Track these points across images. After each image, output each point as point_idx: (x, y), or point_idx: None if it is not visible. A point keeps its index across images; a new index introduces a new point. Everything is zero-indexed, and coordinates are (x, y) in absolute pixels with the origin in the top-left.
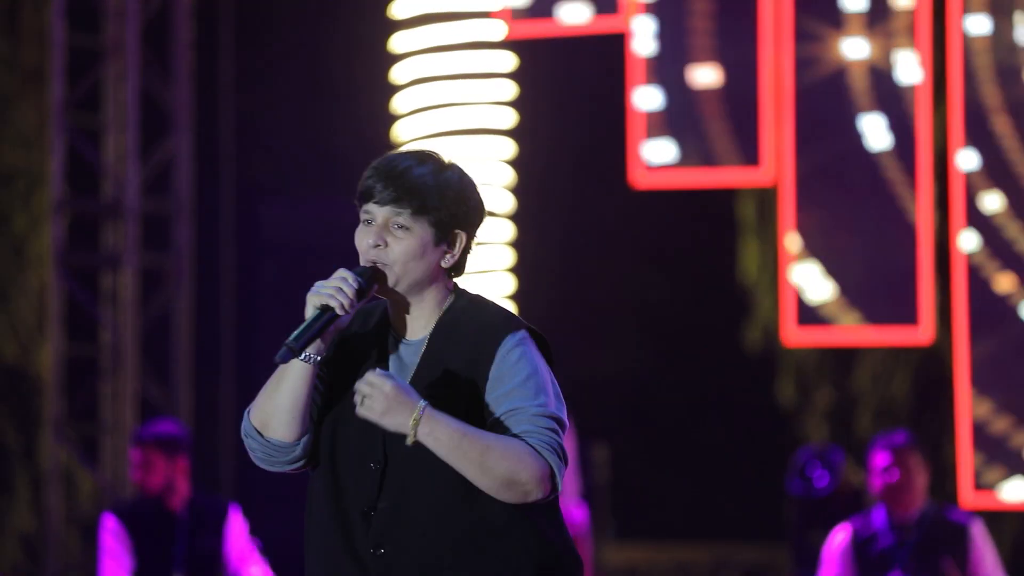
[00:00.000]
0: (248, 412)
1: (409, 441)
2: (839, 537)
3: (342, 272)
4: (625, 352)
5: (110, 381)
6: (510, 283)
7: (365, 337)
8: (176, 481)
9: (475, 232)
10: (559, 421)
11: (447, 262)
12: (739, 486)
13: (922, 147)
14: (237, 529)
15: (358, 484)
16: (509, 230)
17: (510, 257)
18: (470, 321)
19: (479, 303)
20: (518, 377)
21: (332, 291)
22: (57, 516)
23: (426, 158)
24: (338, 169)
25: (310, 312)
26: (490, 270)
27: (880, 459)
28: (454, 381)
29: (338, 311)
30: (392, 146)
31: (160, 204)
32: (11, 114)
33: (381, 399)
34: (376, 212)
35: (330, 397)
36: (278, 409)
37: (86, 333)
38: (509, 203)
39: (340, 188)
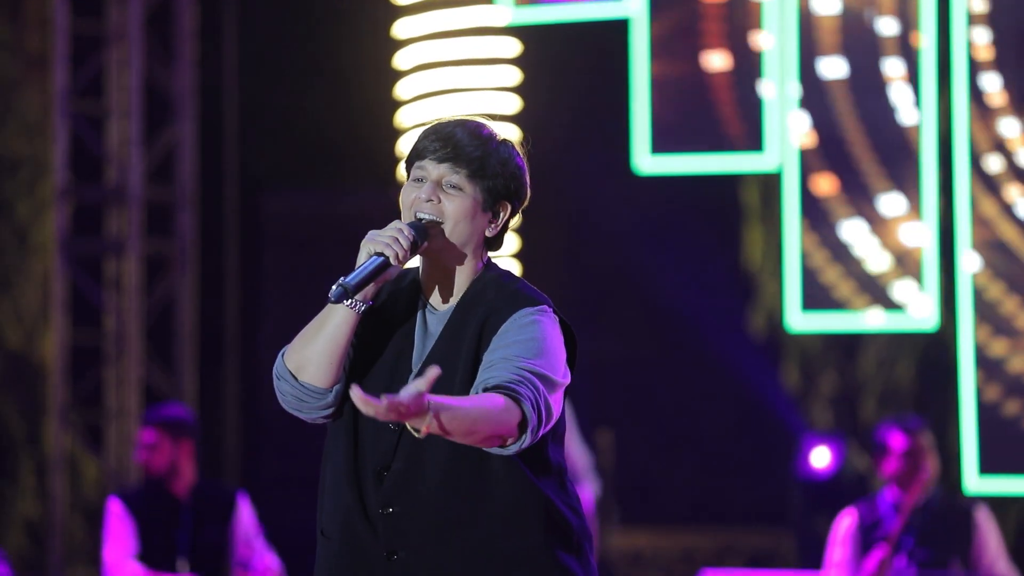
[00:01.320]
0: (283, 353)
1: (420, 421)
2: (845, 522)
3: (397, 223)
4: (629, 337)
5: (114, 367)
6: (515, 268)
7: (397, 302)
8: (180, 465)
9: (519, 209)
10: (548, 381)
11: (491, 231)
12: (744, 472)
13: (926, 129)
14: (244, 517)
15: (376, 444)
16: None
17: (515, 242)
18: (495, 293)
19: (505, 279)
20: (523, 335)
21: (388, 240)
22: (61, 502)
23: (485, 127)
24: (341, 155)
25: (363, 259)
26: (495, 256)
27: (896, 442)
28: (467, 352)
29: (392, 261)
30: (396, 132)
31: (163, 191)
32: (15, 101)
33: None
34: (431, 169)
35: (360, 354)
36: (316, 353)
37: (90, 320)
38: None
39: (343, 174)
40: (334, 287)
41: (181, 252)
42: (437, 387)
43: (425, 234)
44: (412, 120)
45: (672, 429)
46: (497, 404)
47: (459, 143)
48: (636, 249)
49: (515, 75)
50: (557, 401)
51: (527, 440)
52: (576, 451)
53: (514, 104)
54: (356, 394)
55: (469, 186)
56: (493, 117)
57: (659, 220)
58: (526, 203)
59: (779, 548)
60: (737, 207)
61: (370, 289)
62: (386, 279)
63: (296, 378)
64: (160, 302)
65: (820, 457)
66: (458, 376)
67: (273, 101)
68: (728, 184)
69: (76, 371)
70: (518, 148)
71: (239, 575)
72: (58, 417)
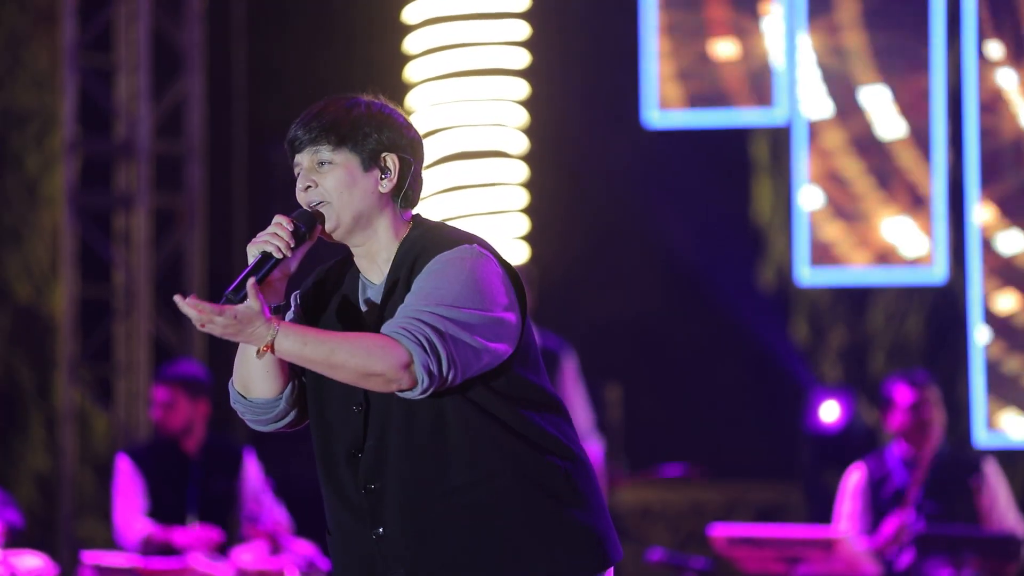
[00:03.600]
0: (231, 382)
1: (257, 355)
2: (854, 476)
3: (278, 217)
4: (638, 292)
5: (123, 322)
6: (524, 224)
7: (339, 289)
8: (195, 423)
9: (413, 156)
10: (453, 320)
11: (385, 187)
12: (753, 426)
13: (935, 84)
14: (252, 472)
15: (344, 427)
16: (523, 171)
17: (524, 197)
18: (420, 249)
19: (435, 229)
20: (429, 282)
21: (268, 236)
22: (71, 456)
23: (336, 98)
24: None
25: (251, 262)
26: (504, 211)
27: (904, 396)
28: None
29: (275, 254)
30: (405, 87)
31: (172, 145)
32: (23, 55)
33: (221, 325)
34: (301, 159)
35: None
36: (253, 368)
37: (99, 274)
38: (523, 144)
39: None
40: (222, 301)
41: (190, 206)
42: None
43: (311, 219)
44: (421, 74)
45: (681, 384)
46: (370, 341)
47: (312, 123)
48: (645, 204)
49: (524, 29)
50: (485, 336)
51: (428, 381)
52: (580, 408)
53: (523, 59)
54: (178, 299)
55: (338, 155)
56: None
57: (668, 175)
58: (420, 147)
59: (788, 502)
60: (746, 162)
61: (271, 290)
62: (286, 273)
63: (245, 397)
64: (169, 256)
65: (829, 411)
66: None
67: (281, 54)
68: (737, 139)
69: (85, 325)
70: (386, 102)
71: (248, 529)
72: (67, 371)
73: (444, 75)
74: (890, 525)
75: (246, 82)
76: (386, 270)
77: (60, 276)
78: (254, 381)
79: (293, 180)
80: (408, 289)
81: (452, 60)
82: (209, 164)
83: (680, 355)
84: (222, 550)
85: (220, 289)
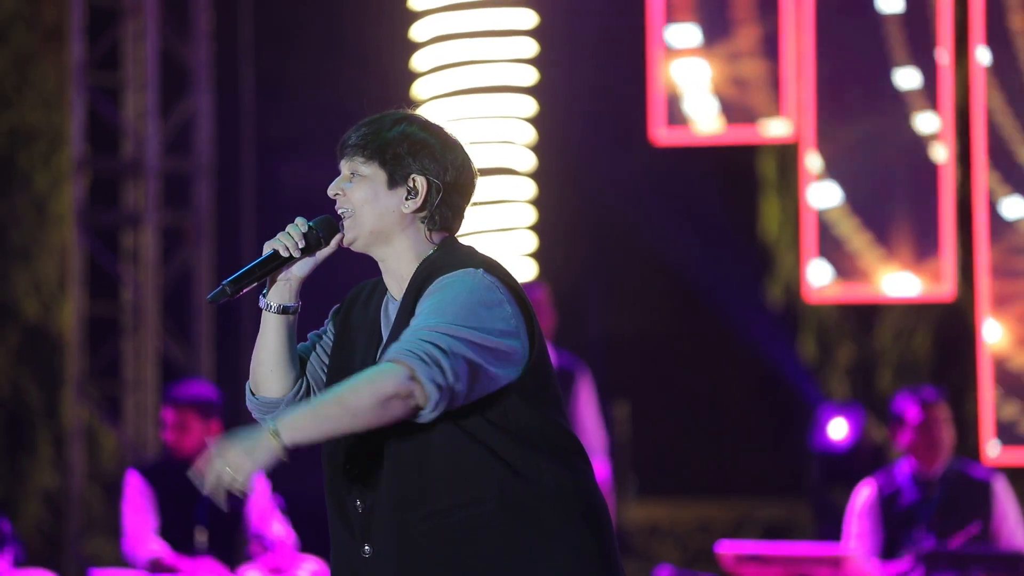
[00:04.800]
0: (248, 381)
1: (279, 453)
2: (864, 493)
3: (298, 219)
4: (645, 308)
5: (131, 339)
6: (531, 241)
7: (367, 306)
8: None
9: (445, 181)
10: (444, 334)
11: (409, 208)
12: (761, 442)
13: (944, 102)
14: (259, 488)
15: (346, 441)
16: (530, 188)
17: (531, 215)
18: (434, 269)
19: (450, 250)
20: (428, 304)
21: (281, 235)
22: (79, 474)
23: (388, 112)
24: None
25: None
26: (511, 228)
27: (912, 413)
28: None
29: (282, 252)
30: (413, 104)
31: (180, 163)
32: (31, 73)
33: (224, 463)
34: (342, 166)
35: (335, 361)
36: (260, 364)
37: (107, 291)
38: (530, 161)
39: None
40: (216, 289)
41: (198, 224)
42: None
43: (331, 227)
44: (429, 91)
45: (689, 400)
46: (368, 372)
47: (359, 131)
48: (652, 220)
49: (532, 47)
50: (484, 358)
51: (438, 394)
52: (592, 428)
53: (531, 76)
54: (192, 475)
55: (369, 168)
56: (509, 89)
57: (676, 192)
58: (461, 175)
59: (796, 519)
60: (754, 178)
61: (285, 289)
62: (297, 276)
63: (254, 394)
64: (177, 274)
65: (837, 428)
66: None
67: (289, 71)
68: (744, 155)
69: (93, 343)
70: (441, 126)
71: (255, 548)
72: (76, 389)
73: (452, 92)
74: (906, 562)
75: (254, 100)
76: (405, 286)
77: (68, 294)
78: (262, 377)
79: (302, 199)
80: (412, 312)
81: (460, 77)
82: (217, 182)
83: (688, 372)
84: (230, 568)
85: (229, 307)
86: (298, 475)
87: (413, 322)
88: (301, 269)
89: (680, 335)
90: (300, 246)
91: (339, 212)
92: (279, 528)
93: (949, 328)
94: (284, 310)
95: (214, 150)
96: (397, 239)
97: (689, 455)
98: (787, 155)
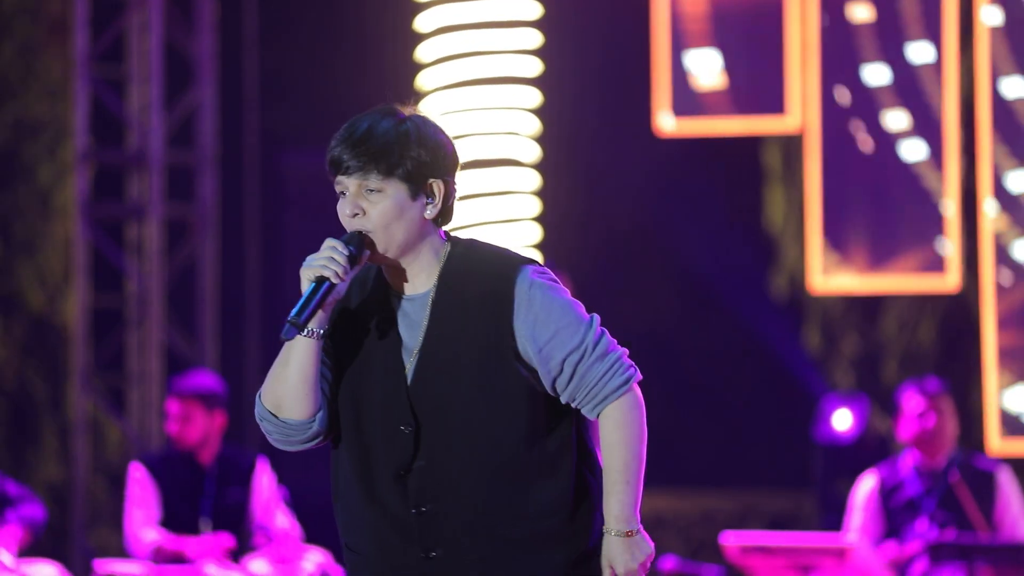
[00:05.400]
0: (259, 396)
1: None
2: (867, 484)
3: (331, 241)
4: (650, 299)
5: (136, 331)
6: (536, 232)
7: (366, 303)
8: (211, 436)
9: (452, 176)
10: (604, 336)
11: (430, 213)
12: (765, 434)
13: (947, 91)
14: (265, 481)
15: (389, 446)
16: (535, 179)
17: (536, 206)
18: (473, 267)
19: (476, 247)
20: (553, 316)
21: (325, 261)
22: (84, 466)
23: (383, 115)
24: None
25: (305, 286)
26: (517, 219)
27: (915, 405)
28: (469, 328)
29: (333, 280)
30: (417, 95)
31: (184, 155)
32: (36, 65)
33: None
34: (347, 183)
35: (341, 369)
36: (290, 388)
37: (112, 284)
38: (535, 152)
39: None
40: (285, 327)
41: (202, 216)
42: (440, 372)
43: (362, 243)
44: (433, 83)
45: (693, 391)
46: (627, 425)
47: (362, 146)
48: (657, 211)
49: (536, 38)
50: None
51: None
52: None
53: (535, 66)
54: None
55: (387, 184)
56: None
57: (680, 182)
58: (457, 164)
59: (800, 510)
60: (759, 169)
61: (322, 314)
62: (337, 298)
63: (277, 416)
64: (181, 266)
65: (842, 419)
66: (463, 358)
67: (293, 63)
68: (749, 145)
69: (98, 335)
70: (429, 118)
71: (259, 540)
72: (80, 381)
73: (456, 83)
74: (913, 544)
75: (258, 92)
76: (420, 285)
77: (73, 286)
78: (290, 399)
79: (306, 191)
80: (470, 306)
81: (464, 68)
82: (221, 174)
83: (692, 362)
84: (234, 559)
85: (234, 299)
86: (302, 467)
87: (552, 351)
88: (340, 291)
89: (684, 325)
90: (348, 269)
91: (362, 230)
92: (283, 520)
93: (954, 319)
94: (321, 335)
95: (218, 142)
96: (420, 244)
97: (693, 446)
98: (792, 146)
